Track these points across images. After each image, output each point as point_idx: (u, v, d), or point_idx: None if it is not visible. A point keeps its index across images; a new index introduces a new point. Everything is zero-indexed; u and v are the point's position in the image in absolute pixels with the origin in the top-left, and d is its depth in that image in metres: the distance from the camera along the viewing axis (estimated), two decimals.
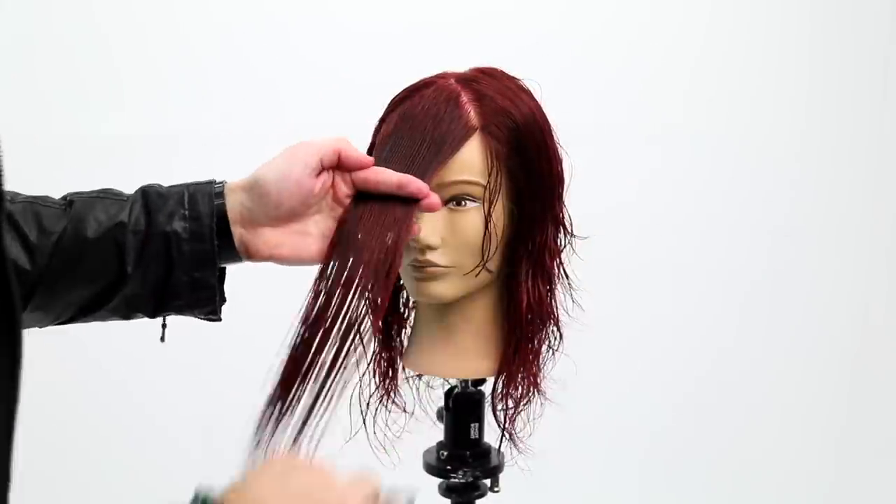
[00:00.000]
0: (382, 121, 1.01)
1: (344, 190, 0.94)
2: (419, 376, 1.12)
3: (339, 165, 0.93)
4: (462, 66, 1.03)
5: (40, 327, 0.92)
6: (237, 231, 0.92)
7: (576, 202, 1.05)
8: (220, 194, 0.92)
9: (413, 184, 0.92)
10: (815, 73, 2.19)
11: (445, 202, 0.97)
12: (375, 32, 1.94)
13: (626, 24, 2.08)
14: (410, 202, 0.92)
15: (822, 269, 2.23)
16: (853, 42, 2.19)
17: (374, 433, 1.09)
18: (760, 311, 2.20)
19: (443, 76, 1.00)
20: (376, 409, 1.10)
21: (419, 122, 0.96)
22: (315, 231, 0.94)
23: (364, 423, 1.09)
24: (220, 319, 0.95)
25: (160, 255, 0.90)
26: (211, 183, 0.93)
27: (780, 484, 2.23)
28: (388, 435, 1.10)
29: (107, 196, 0.92)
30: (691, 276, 2.15)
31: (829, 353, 2.25)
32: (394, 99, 1.01)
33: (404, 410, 1.11)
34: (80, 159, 1.79)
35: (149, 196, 0.91)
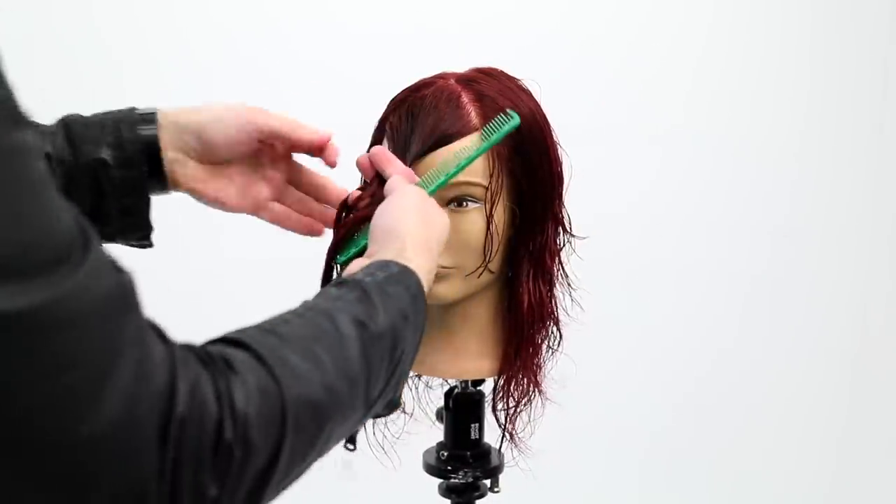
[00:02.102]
0: (382, 121, 1.01)
1: (280, 150, 0.97)
2: (419, 377, 1.12)
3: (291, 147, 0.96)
4: (462, 66, 1.03)
5: None
6: (168, 156, 0.92)
7: (576, 202, 1.05)
8: (151, 122, 0.92)
9: (305, 133, 0.94)
10: (816, 74, 2.19)
11: (447, 203, 0.97)
12: (376, 33, 1.94)
13: (626, 24, 2.08)
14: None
15: (821, 270, 2.23)
16: (853, 42, 2.19)
17: (374, 434, 1.09)
18: (760, 311, 2.20)
19: (443, 76, 1.00)
20: None
21: (419, 121, 0.96)
22: (238, 179, 0.96)
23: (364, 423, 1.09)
24: (151, 245, 0.95)
25: (88, 183, 0.90)
26: (133, 110, 0.93)
27: (781, 484, 2.23)
28: (388, 436, 1.10)
29: None
30: (691, 277, 2.15)
31: (829, 353, 2.25)
32: (393, 99, 1.01)
33: (403, 411, 1.11)
34: None
35: (71, 127, 0.92)
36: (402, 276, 0.79)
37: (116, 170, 0.90)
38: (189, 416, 0.55)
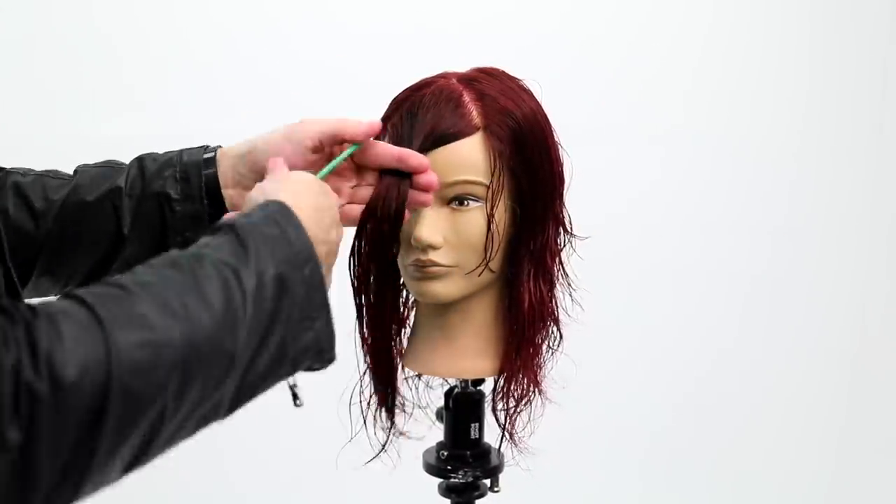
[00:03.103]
0: (384, 120, 1.01)
1: (331, 152, 0.97)
2: (419, 376, 1.12)
3: (341, 142, 0.96)
4: (462, 66, 1.03)
5: (53, 294, 0.97)
6: (228, 193, 0.96)
7: (576, 202, 1.05)
8: (212, 160, 0.97)
9: (413, 157, 0.94)
10: (815, 74, 2.19)
11: (448, 202, 0.97)
12: (377, 33, 1.94)
13: (626, 24, 2.08)
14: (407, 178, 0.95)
15: (821, 270, 2.22)
16: (853, 42, 2.19)
17: (375, 433, 1.09)
18: (760, 311, 2.20)
19: (444, 76, 1.00)
20: (376, 410, 1.10)
21: (419, 120, 0.96)
22: None
23: (364, 423, 1.09)
24: None
25: (154, 216, 0.95)
26: (203, 148, 0.98)
27: (781, 484, 2.23)
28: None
29: (108, 165, 1.00)
30: (691, 276, 2.15)
31: (829, 353, 2.25)
32: (395, 99, 1.01)
33: (403, 410, 1.12)
34: (82, 160, 1.78)
35: (144, 162, 0.98)
36: (282, 214, 0.75)
37: (179, 203, 0.94)
38: None
